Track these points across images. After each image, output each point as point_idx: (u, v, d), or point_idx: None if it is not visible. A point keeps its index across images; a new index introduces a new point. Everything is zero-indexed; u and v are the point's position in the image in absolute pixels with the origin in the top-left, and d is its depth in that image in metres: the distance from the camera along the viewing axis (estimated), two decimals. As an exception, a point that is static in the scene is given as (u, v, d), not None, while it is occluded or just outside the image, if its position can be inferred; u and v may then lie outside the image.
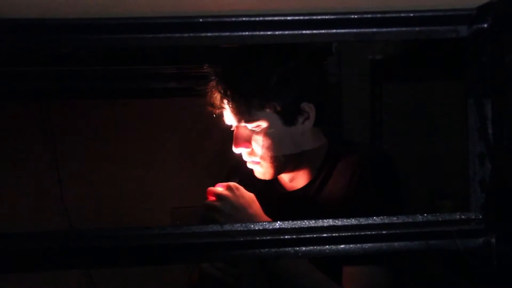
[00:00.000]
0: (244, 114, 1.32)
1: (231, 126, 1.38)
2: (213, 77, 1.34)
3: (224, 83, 1.32)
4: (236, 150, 1.37)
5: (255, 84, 1.30)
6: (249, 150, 1.36)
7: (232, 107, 1.32)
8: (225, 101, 1.32)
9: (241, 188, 1.36)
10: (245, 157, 1.38)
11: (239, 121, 1.34)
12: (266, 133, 1.33)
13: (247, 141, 1.35)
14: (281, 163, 1.36)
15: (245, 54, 1.32)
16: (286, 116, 1.33)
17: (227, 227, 0.92)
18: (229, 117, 1.35)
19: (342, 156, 1.39)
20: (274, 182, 1.46)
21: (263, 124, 1.32)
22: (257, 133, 1.34)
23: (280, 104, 1.31)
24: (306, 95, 1.34)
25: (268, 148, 1.34)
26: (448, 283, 2.03)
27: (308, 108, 1.35)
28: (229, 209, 1.32)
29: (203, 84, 1.37)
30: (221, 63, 1.35)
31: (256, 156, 1.36)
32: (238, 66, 1.32)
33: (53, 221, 2.33)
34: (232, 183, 1.36)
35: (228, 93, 1.32)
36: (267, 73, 1.31)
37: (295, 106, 1.34)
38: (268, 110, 1.31)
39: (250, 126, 1.33)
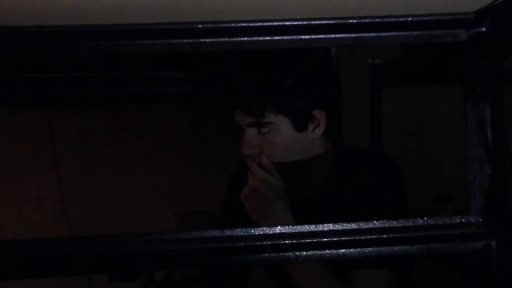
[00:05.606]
0: (257, 116, 1.31)
1: (237, 130, 1.37)
2: (229, 78, 1.34)
3: (239, 83, 1.33)
4: (243, 152, 1.36)
5: (270, 86, 1.30)
6: (256, 153, 1.35)
7: (245, 107, 1.32)
8: (239, 101, 1.32)
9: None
10: (252, 161, 1.36)
11: (250, 123, 1.33)
12: (276, 137, 1.33)
13: (256, 144, 1.35)
14: (286, 168, 1.36)
15: (261, 56, 1.32)
16: (298, 121, 1.33)
17: (227, 232, 0.92)
18: (240, 118, 1.34)
19: (350, 162, 1.40)
20: None
21: (274, 127, 1.32)
22: (267, 136, 1.33)
23: (293, 108, 1.31)
24: (319, 103, 1.34)
25: (276, 152, 1.34)
26: (449, 285, 2.03)
27: (320, 115, 1.35)
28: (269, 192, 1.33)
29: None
30: (237, 64, 1.35)
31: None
32: (254, 67, 1.32)
33: (53, 226, 2.33)
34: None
35: (243, 93, 1.32)
36: (283, 76, 1.31)
37: (307, 112, 1.34)
38: (280, 113, 1.31)
39: (261, 128, 1.33)
